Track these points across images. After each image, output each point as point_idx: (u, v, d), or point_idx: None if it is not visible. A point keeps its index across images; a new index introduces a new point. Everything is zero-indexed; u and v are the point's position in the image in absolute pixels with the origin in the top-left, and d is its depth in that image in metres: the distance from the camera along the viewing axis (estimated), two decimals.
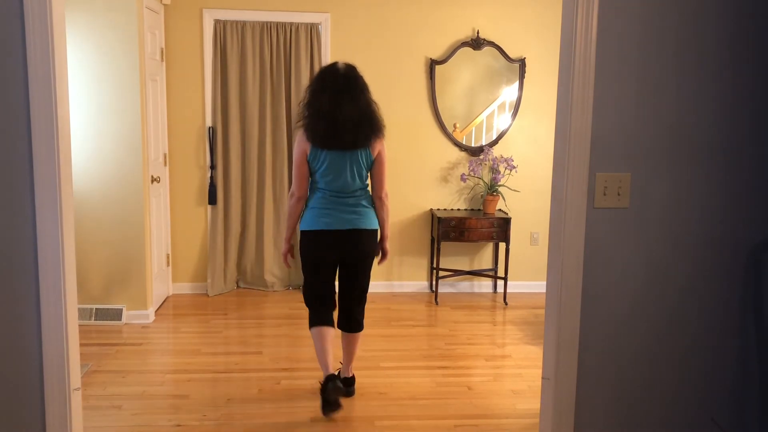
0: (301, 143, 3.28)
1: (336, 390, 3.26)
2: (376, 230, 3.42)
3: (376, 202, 3.41)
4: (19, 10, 2.03)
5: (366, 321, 3.39)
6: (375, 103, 3.29)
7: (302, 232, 3.37)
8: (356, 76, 3.27)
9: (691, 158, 2.24)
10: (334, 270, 3.47)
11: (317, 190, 3.34)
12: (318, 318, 3.44)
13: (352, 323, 3.52)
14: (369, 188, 3.43)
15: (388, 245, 3.52)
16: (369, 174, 3.37)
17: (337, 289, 3.53)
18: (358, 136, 3.20)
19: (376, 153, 3.30)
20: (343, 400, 3.42)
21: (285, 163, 5.40)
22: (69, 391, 2.22)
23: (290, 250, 3.51)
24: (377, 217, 3.43)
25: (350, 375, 3.69)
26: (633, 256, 2.27)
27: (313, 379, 3.80)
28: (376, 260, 3.50)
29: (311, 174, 3.33)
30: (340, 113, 3.17)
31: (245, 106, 5.35)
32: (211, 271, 5.41)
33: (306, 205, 3.39)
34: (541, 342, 2.88)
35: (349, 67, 3.30)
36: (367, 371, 3.95)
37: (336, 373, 3.39)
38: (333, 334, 3.46)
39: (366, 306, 3.58)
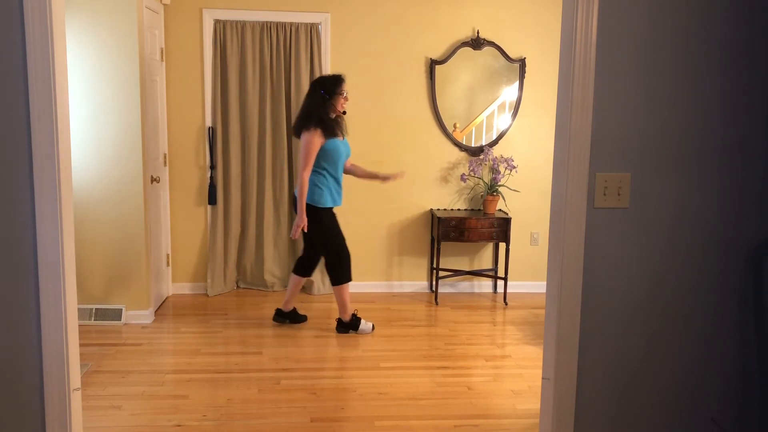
0: None
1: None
2: (311, 205, 4.40)
3: None
4: (19, 10, 2.03)
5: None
6: (313, 104, 4.31)
7: (327, 208, 4.46)
8: (311, 85, 4.43)
9: (691, 158, 2.24)
10: None
11: None
12: (350, 271, 4.55)
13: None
14: (324, 171, 4.37)
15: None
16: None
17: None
18: (294, 128, 4.49)
19: (301, 141, 4.38)
20: (343, 402, 3.57)
21: (285, 163, 5.40)
22: (69, 391, 2.21)
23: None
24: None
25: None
26: (633, 255, 2.27)
27: (313, 380, 3.82)
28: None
29: None
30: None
31: (245, 106, 5.35)
32: (210, 272, 5.41)
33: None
34: (541, 342, 2.88)
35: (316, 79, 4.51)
36: (367, 371, 3.96)
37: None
38: None
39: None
